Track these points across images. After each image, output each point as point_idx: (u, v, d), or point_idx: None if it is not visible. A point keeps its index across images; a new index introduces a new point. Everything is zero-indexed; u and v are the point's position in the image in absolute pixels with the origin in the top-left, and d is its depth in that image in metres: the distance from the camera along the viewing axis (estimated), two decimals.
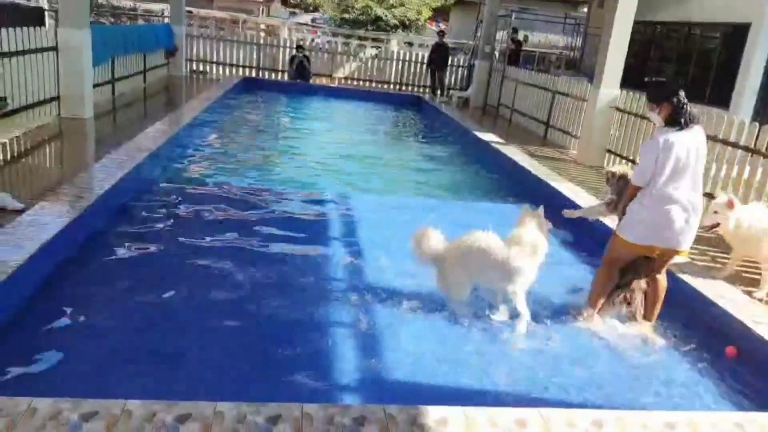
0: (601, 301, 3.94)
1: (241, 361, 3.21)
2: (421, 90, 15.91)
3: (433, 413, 2.40)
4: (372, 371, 3.22)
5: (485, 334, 3.68)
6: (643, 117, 7.98)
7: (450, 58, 15.51)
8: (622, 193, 4.10)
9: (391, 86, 16.06)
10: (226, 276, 4.15)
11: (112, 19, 16.41)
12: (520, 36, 16.39)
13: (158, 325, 3.47)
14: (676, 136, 3.53)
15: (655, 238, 3.68)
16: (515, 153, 8.69)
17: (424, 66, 15.51)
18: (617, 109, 8.52)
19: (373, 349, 3.42)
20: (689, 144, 3.54)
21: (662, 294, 3.90)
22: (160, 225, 4.95)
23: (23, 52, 6.79)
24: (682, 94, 3.56)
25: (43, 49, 7.22)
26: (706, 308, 4.09)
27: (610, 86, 8.49)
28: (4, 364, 2.85)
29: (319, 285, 4.22)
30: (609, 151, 8.65)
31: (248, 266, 4.30)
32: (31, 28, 7.02)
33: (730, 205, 4.28)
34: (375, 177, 7.65)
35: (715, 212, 4.35)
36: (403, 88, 16.04)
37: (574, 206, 5.46)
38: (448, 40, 16.31)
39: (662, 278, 3.90)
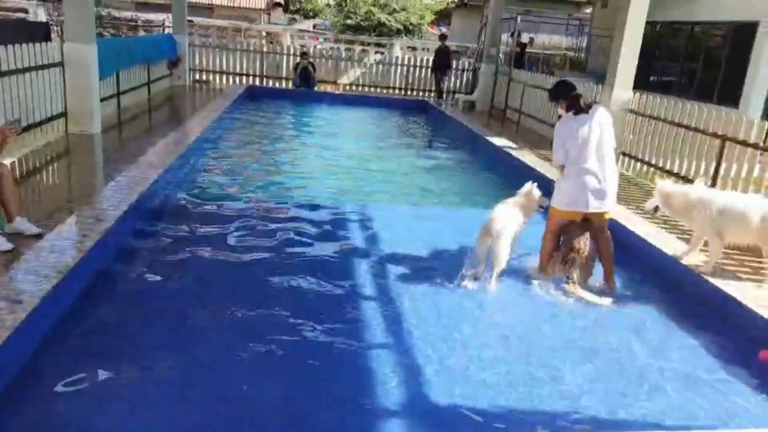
0: (550, 264, 4.62)
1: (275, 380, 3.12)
2: (425, 94, 15.82)
3: None
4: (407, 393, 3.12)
5: None
6: (658, 119, 7.89)
7: (453, 61, 15.43)
8: None
9: (396, 91, 15.97)
10: (253, 293, 4.10)
11: (113, 31, 16.32)
12: (525, 38, 16.32)
13: (188, 347, 3.36)
14: (575, 120, 4.31)
15: (576, 204, 4.38)
16: (525, 156, 8.59)
17: (430, 70, 15.43)
18: (631, 111, 8.42)
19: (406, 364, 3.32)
20: (589, 123, 4.28)
21: (610, 250, 4.57)
22: (181, 243, 4.84)
23: (30, 69, 6.69)
24: (574, 91, 4.42)
25: (49, 65, 7.12)
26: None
27: (622, 88, 8.36)
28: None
29: (335, 296, 4.15)
30: (624, 154, 8.55)
31: (271, 282, 4.25)
32: (38, 44, 6.92)
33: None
34: (383, 184, 7.53)
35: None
36: (408, 92, 15.95)
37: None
38: (451, 44, 16.20)
39: (606, 237, 4.56)
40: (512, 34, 14.29)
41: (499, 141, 9.72)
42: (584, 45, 17.95)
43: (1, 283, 3.31)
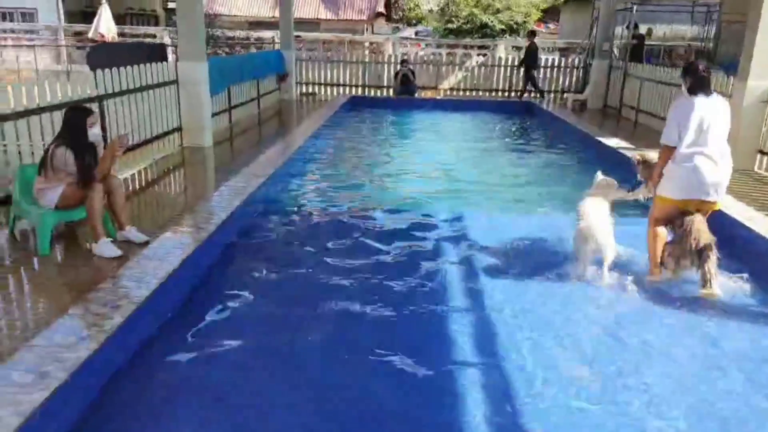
0: (659, 258, 4.31)
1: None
2: (530, 95, 15.26)
3: None
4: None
5: None
6: None
7: (539, 58, 14.80)
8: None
9: (500, 93, 15.55)
10: (350, 300, 4.05)
11: (227, 50, 17.26)
12: (642, 30, 15.30)
13: (288, 358, 3.37)
14: (694, 101, 4.10)
15: (693, 192, 4.17)
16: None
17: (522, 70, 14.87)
18: None
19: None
20: (708, 108, 4.09)
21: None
22: (279, 251, 4.94)
23: (148, 87, 7.18)
24: (701, 68, 4.21)
25: (166, 83, 7.60)
26: None
27: (759, 78, 7.47)
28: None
29: (435, 308, 3.98)
30: (761, 151, 7.64)
31: (370, 292, 4.20)
32: (156, 64, 7.41)
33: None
34: (489, 192, 7.24)
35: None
36: (512, 94, 15.48)
37: (722, 217, 4.94)
38: (561, 41, 15.52)
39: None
40: (627, 26, 13.40)
41: (613, 142, 9.10)
42: (712, 34, 16.48)
43: (106, 288, 3.48)
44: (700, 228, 4.16)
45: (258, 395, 3.02)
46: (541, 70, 15.14)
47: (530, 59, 14.42)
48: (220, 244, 4.73)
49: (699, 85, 4.14)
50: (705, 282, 4.06)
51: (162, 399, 2.93)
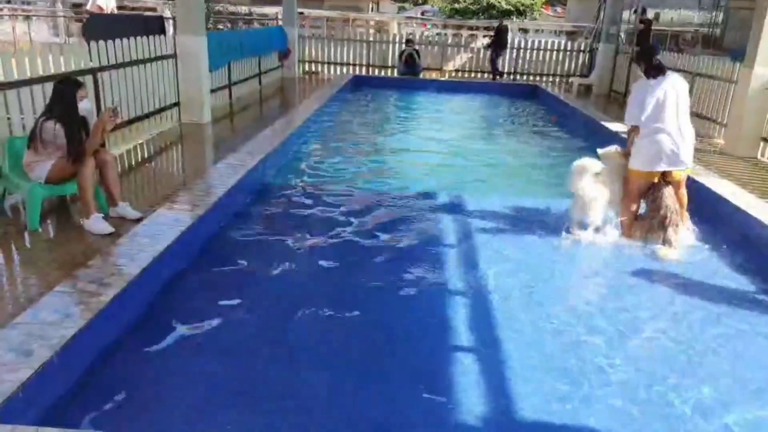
0: (634, 228, 4.78)
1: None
2: (537, 79, 15.07)
3: None
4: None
5: None
6: None
7: (507, 40, 14.82)
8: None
9: (505, 76, 15.35)
10: (345, 281, 3.99)
11: (229, 25, 17.00)
12: (650, 14, 15.07)
13: (278, 340, 3.28)
14: (651, 82, 4.58)
15: (654, 164, 4.60)
16: None
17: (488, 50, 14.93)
18: None
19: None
20: (666, 86, 4.54)
21: (684, 208, 4.83)
22: (275, 231, 4.84)
23: (145, 61, 7.02)
24: (655, 53, 4.80)
25: (163, 57, 7.44)
26: None
27: (765, 65, 7.38)
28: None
29: (437, 293, 3.90)
30: (765, 139, 7.55)
31: (367, 272, 4.14)
32: (153, 37, 7.24)
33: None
34: (491, 176, 7.14)
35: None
36: (517, 77, 15.28)
37: (723, 203, 5.44)
38: (567, 24, 15.33)
39: (681, 194, 4.81)
40: (635, 11, 13.20)
41: (617, 127, 8.95)
42: (720, 19, 16.24)
43: (97, 265, 3.39)
44: (668, 204, 4.62)
45: (250, 381, 2.94)
46: (534, 52, 15.08)
47: (498, 41, 14.32)
48: (216, 221, 4.63)
49: (654, 68, 4.63)
50: (664, 243, 4.63)
51: (149, 381, 2.85)
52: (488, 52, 14.88)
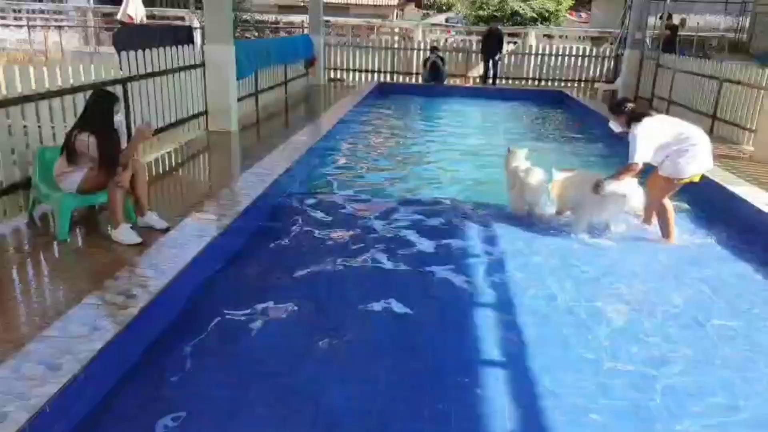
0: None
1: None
2: (563, 84, 14.92)
3: None
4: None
5: None
6: None
7: (503, 45, 14.70)
8: None
9: (530, 82, 15.23)
10: (369, 292, 3.95)
11: (257, 34, 17.17)
12: (676, 20, 14.84)
13: (302, 357, 3.26)
14: (647, 123, 4.83)
15: (695, 170, 4.83)
16: None
17: (480, 54, 14.79)
18: None
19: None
20: (657, 123, 4.89)
21: None
22: (300, 240, 4.83)
23: (174, 70, 7.10)
24: (629, 105, 5.05)
25: (192, 66, 7.53)
26: None
27: None
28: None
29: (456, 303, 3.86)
30: None
31: (393, 283, 4.12)
32: (182, 47, 7.34)
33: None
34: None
35: None
36: (543, 83, 15.14)
37: (756, 212, 5.39)
38: (593, 29, 15.20)
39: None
40: (660, 16, 13.01)
41: None
42: (747, 24, 15.92)
43: (124, 277, 3.42)
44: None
45: (279, 393, 2.93)
46: (559, 58, 14.98)
47: (490, 45, 14.23)
48: (244, 231, 4.65)
49: (640, 113, 4.93)
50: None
51: (178, 394, 2.85)
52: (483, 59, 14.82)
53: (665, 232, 5.03)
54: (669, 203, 5.04)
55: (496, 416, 2.79)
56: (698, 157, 4.78)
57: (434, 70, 14.19)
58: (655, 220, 5.15)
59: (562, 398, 2.93)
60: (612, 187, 4.87)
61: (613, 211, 5.03)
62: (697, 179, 4.91)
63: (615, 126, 5.08)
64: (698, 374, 3.20)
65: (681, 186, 4.98)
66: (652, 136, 4.78)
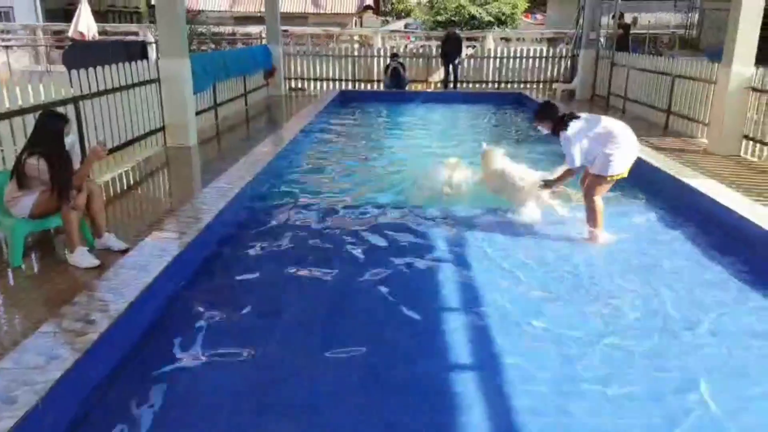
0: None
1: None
2: (522, 86, 15.14)
3: None
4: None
5: None
6: None
7: (464, 48, 14.98)
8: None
9: (490, 85, 15.42)
10: (334, 300, 3.94)
11: (213, 46, 16.99)
12: (628, 19, 15.23)
13: (270, 373, 3.21)
14: (575, 127, 4.92)
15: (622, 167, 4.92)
16: None
17: (440, 59, 14.98)
18: (753, 89, 7.48)
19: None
20: (586, 118, 5.02)
21: None
22: (265, 255, 4.76)
23: (128, 87, 6.96)
24: (553, 107, 5.23)
25: (147, 82, 7.40)
26: None
27: (743, 64, 7.46)
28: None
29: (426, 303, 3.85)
30: (747, 137, 7.61)
31: (359, 289, 4.09)
32: (135, 63, 7.20)
33: None
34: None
35: None
36: (502, 86, 15.35)
37: (714, 205, 5.46)
38: (547, 31, 15.47)
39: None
40: (613, 16, 13.34)
41: None
42: (696, 21, 16.45)
43: (82, 302, 3.32)
44: None
45: (239, 413, 2.88)
46: (517, 61, 15.23)
47: (449, 49, 14.42)
48: (205, 248, 4.57)
49: (567, 117, 4.99)
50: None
51: (143, 419, 2.78)
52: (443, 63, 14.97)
53: (593, 223, 5.02)
54: (600, 200, 5.05)
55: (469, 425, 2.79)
56: (626, 154, 4.89)
57: (395, 77, 14.25)
58: (600, 220, 5.07)
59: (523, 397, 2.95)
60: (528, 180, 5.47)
61: (524, 199, 5.49)
62: (626, 174, 5.00)
63: (542, 128, 5.24)
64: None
65: (614, 182, 5.03)
66: (582, 138, 4.89)
